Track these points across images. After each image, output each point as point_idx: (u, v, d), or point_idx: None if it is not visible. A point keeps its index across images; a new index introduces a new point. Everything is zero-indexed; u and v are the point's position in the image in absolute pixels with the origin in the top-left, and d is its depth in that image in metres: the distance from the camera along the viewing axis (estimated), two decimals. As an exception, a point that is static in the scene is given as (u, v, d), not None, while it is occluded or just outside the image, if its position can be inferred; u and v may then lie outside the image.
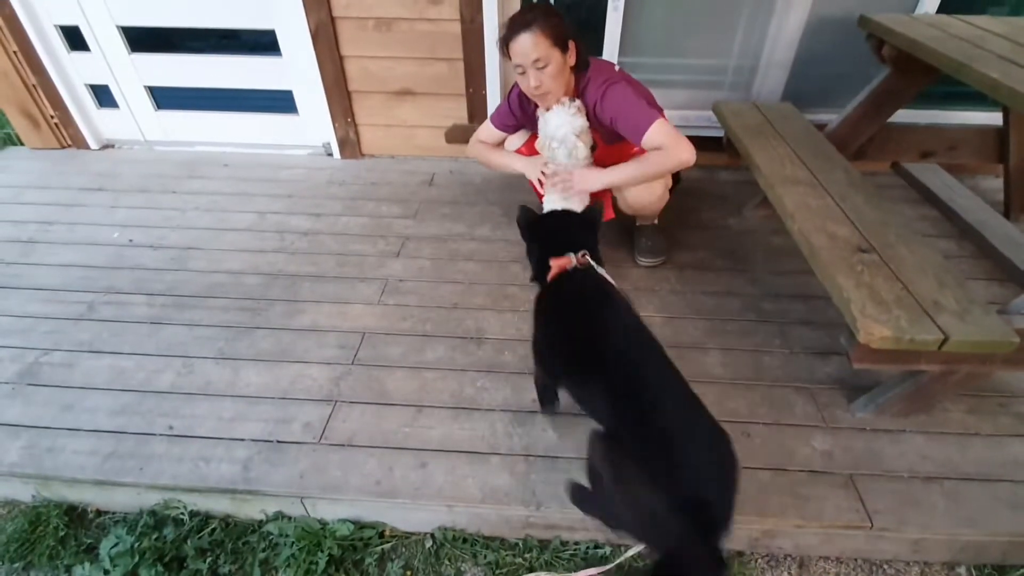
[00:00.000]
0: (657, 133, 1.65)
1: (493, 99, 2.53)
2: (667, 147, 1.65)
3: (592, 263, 1.28)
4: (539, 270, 1.34)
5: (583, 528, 1.35)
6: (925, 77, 1.92)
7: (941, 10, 2.24)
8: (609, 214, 1.98)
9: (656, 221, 2.12)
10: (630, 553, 1.23)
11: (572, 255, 1.28)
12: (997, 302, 1.59)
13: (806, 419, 1.52)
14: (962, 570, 1.37)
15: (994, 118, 2.27)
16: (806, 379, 1.63)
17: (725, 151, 2.27)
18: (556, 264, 1.28)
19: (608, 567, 1.29)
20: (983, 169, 2.60)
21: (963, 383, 1.43)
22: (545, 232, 1.41)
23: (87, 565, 1.38)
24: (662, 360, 1.11)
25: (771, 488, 1.36)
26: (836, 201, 1.62)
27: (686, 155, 1.65)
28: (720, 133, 2.27)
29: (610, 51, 2.40)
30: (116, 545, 1.37)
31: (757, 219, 2.30)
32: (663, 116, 1.70)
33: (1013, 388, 1.59)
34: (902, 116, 2.17)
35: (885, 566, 1.38)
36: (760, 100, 2.51)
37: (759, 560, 1.40)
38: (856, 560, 1.39)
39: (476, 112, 2.60)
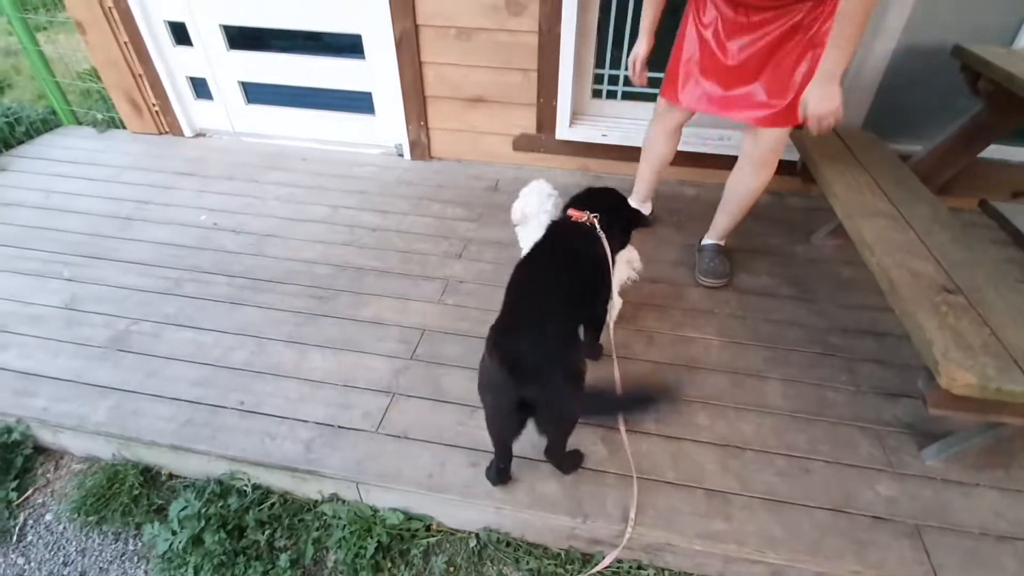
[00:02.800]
0: None
1: (563, 110, 2.56)
2: None
3: (596, 224, 1.41)
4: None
5: (627, 547, 1.34)
6: (1022, 114, 1.82)
7: (1045, 45, 2.12)
8: (795, 120, 1.69)
9: (723, 242, 2.09)
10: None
11: (588, 214, 1.42)
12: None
13: (871, 461, 1.46)
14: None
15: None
16: (873, 419, 1.57)
17: (799, 176, 2.22)
18: (572, 212, 1.45)
19: None
20: (1082, 214, 2.43)
21: (1049, 441, 1.34)
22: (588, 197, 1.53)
23: (156, 525, 1.48)
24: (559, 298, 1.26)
25: (829, 529, 1.32)
26: (920, 236, 1.56)
27: None
28: (793, 157, 2.21)
29: (686, 69, 2.38)
30: (185, 508, 1.47)
31: (827, 248, 2.23)
32: None
33: (1104, 452, 1.47)
34: (994, 152, 2.07)
35: (947, 625, 1.31)
36: (840, 127, 2.43)
37: (809, 602, 1.35)
38: (915, 615, 1.33)
39: (544, 122, 2.64)
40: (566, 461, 1.41)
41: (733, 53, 1.71)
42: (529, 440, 1.48)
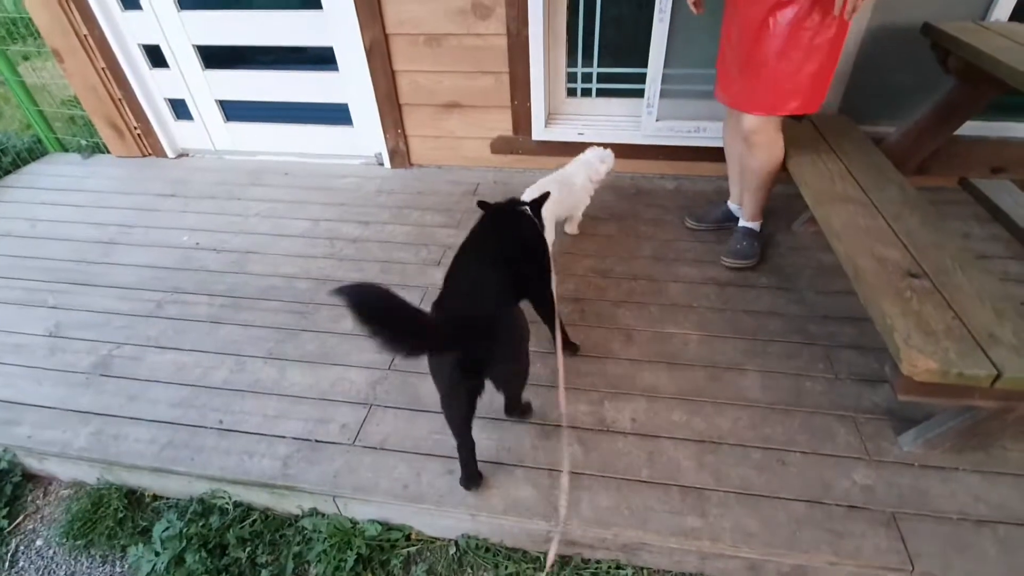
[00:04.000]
0: None
1: (538, 110, 2.56)
2: None
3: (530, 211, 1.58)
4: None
5: (604, 547, 1.34)
6: (994, 89, 1.79)
7: (1015, 17, 2.07)
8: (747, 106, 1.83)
9: (752, 223, 2.12)
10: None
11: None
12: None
13: (848, 450, 1.45)
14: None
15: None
16: (851, 407, 1.56)
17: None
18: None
19: None
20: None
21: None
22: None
23: (140, 546, 1.50)
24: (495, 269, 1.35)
25: (805, 521, 1.31)
26: (888, 221, 1.55)
27: None
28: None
29: (656, 61, 2.37)
30: (167, 529, 1.49)
31: (807, 235, 2.21)
32: None
33: (1087, 429, 1.45)
34: (971, 128, 2.04)
35: (928, 612, 1.30)
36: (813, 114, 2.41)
37: (789, 594, 1.34)
38: (895, 604, 1.32)
39: (520, 123, 2.64)
40: (527, 410, 1.56)
41: (735, 43, 1.78)
42: (503, 443, 1.50)
